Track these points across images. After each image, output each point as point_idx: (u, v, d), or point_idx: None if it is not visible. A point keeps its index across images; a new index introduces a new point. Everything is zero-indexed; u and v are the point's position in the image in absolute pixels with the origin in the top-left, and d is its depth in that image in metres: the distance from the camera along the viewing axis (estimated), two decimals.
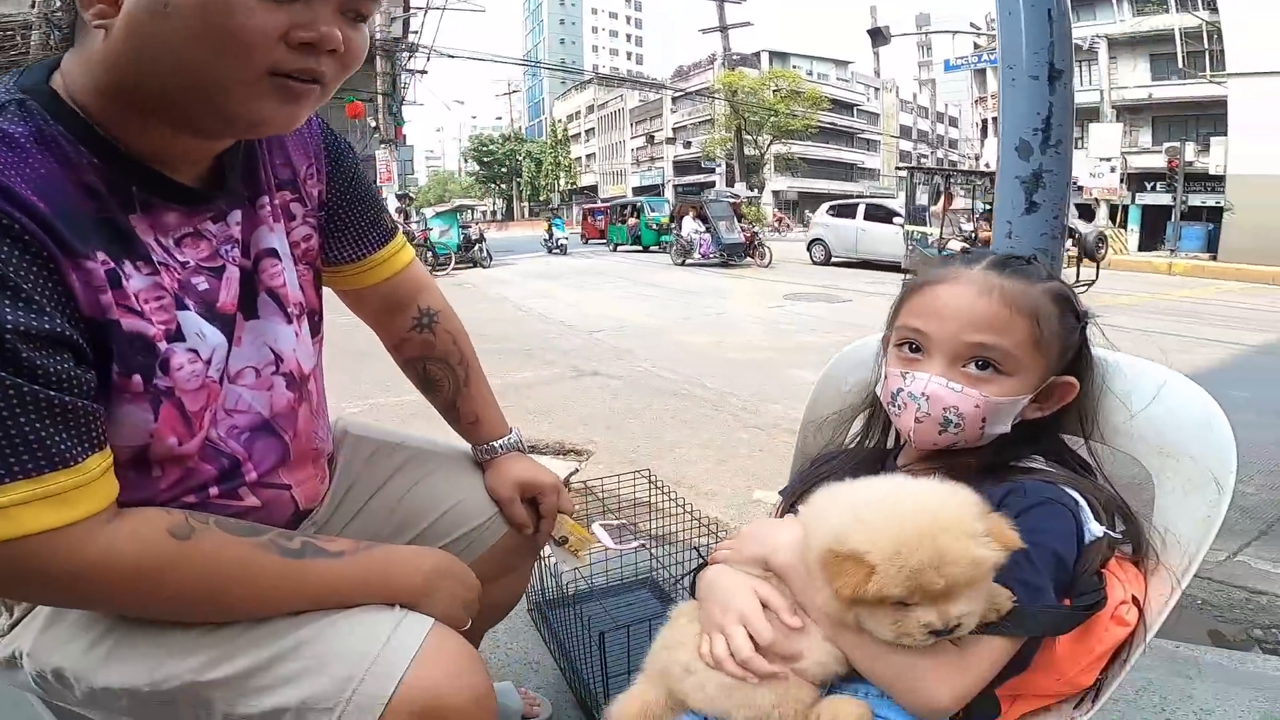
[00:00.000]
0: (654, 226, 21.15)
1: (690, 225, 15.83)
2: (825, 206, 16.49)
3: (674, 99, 54.63)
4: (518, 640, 1.88)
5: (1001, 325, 0.78)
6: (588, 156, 71.87)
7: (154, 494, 0.72)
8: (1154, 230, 21.49)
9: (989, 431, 0.81)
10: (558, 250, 20.72)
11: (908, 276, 0.91)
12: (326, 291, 1.00)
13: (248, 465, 0.80)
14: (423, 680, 0.70)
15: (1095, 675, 0.81)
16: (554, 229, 21.31)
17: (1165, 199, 20.63)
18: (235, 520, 0.74)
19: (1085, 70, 24.05)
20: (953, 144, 68.79)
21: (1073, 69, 1.62)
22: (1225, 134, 18.41)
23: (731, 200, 17.17)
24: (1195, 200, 19.81)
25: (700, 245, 15.46)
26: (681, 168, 55.92)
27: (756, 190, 34.16)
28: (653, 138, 59.24)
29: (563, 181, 66.88)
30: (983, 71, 30.70)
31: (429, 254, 13.32)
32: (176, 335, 0.70)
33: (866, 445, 1.02)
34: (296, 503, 0.87)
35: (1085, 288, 6.24)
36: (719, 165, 37.31)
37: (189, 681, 0.71)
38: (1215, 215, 18.41)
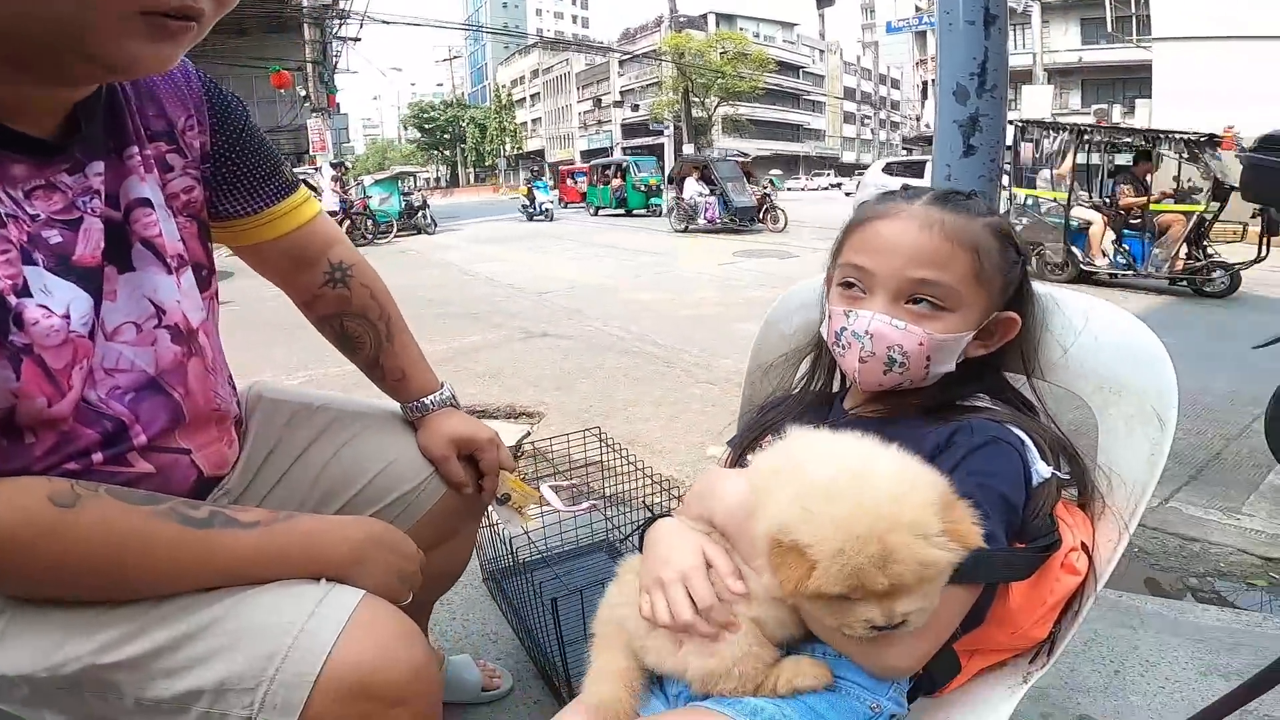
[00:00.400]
0: (641, 188, 19.76)
1: (694, 188, 14.24)
2: (880, 164, 14.97)
3: (621, 62, 53.82)
4: (474, 611, 1.81)
5: (943, 260, 0.77)
6: (533, 121, 70.62)
7: (29, 462, 0.66)
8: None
9: (934, 370, 0.80)
10: (541, 217, 18.21)
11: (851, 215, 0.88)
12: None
13: (135, 428, 0.74)
14: (353, 655, 0.66)
15: (1049, 627, 0.80)
16: (536, 191, 18.60)
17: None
18: (131, 489, 0.70)
19: (1019, 34, 24.51)
20: (895, 105, 69.68)
21: (1007, 18, 1.65)
22: (1150, 97, 19.11)
23: (739, 159, 15.64)
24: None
25: (705, 209, 13.91)
26: (630, 130, 55.35)
27: (704, 151, 34.04)
28: (600, 101, 58.31)
29: (508, 146, 65.63)
30: (923, 34, 31.05)
31: (369, 222, 13.10)
32: (24, 290, 0.64)
33: (812, 389, 1.00)
34: (199, 469, 0.82)
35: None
36: (667, 128, 36.87)
37: (91, 664, 0.66)
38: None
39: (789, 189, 38.03)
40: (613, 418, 3.38)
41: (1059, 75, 25.15)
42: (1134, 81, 22.02)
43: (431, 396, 1.06)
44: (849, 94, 65.05)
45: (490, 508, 1.16)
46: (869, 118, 69.18)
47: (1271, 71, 14.35)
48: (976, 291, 0.79)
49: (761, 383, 1.13)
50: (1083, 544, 0.79)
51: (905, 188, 0.86)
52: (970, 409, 0.82)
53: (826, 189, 40.56)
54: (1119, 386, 0.83)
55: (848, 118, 66.47)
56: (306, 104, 15.54)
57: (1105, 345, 0.85)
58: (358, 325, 1.04)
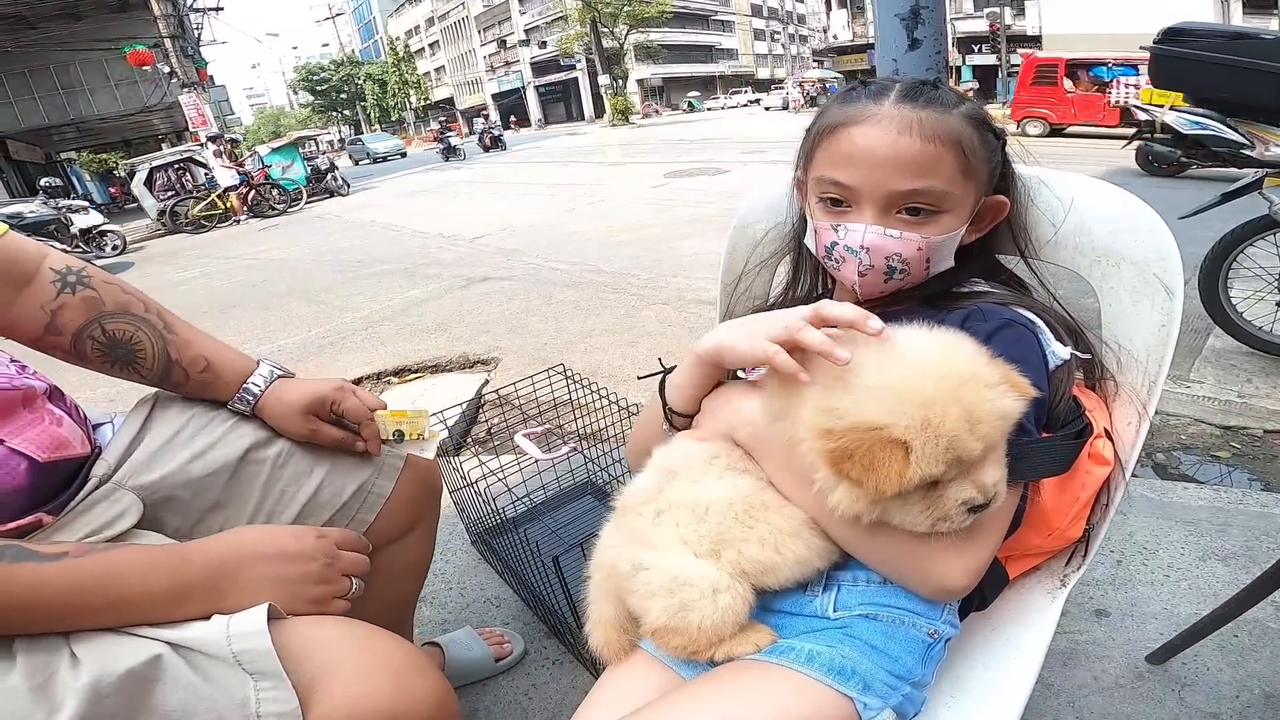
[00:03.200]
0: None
1: None
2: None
3: (521, 0, 50.93)
4: (470, 578, 1.72)
5: (930, 163, 0.71)
6: (436, 70, 67.47)
7: None
8: (986, 88, 23.02)
9: (934, 270, 0.77)
10: (456, 157, 21.61)
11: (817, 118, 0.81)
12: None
13: None
14: (370, 700, 0.63)
15: (1083, 524, 0.78)
16: (448, 136, 22.96)
17: (990, 59, 21.92)
18: None
19: None
20: (801, 19, 68.84)
21: None
22: None
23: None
24: (1016, 59, 21.14)
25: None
26: (540, 68, 53.27)
27: (620, 81, 32.96)
28: (504, 42, 55.80)
29: (414, 98, 62.33)
30: None
31: (274, 192, 12.43)
32: None
33: (797, 294, 0.94)
34: (28, 456, 0.73)
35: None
36: (579, 61, 35.46)
37: None
38: None
39: (709, 108, 37.44)
40: (571, 352, 3.23)
41: None
42: None
43: (255, 377, 0.92)
44: (756, 11, 63.74)
45: (404, 451, 1.04)
46: (778, 33, 68.08)
47: None
48: (965, 186, 0.74)
49: (741, 292, 1.07)
50: (1105, 430, 0.76)
51: (864, 82, 0.79)
52: (971, 294, 0.78)
53: (746, 105, 40.38)
54: (1117, 257, 0.80)
55: (758, 35, 65.25)
56: (174, 80, 14.63)
57: (1098, 217, 0.82)
58: (125, 325, 0.85)
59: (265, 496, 0.89)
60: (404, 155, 31.44)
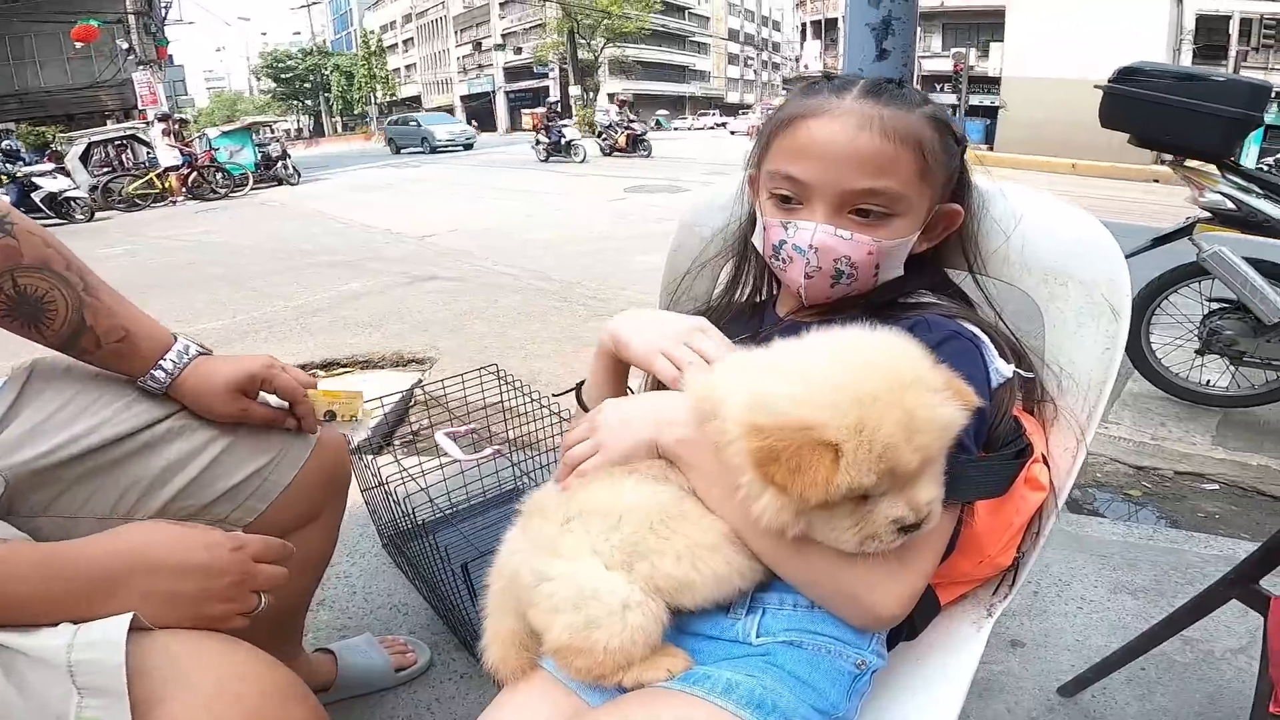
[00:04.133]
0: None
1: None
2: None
3: (502, 4, 51.33)
4: (377, 582, 1.63)
5: (887, 163, 0.69)
6: (407, 67, 66.63)
7: None
8: None
9: (882, 277, 0.74)
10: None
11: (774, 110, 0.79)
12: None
13: None
14: None
15: (1014, 552, 0.76)
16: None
17: (951, 99, 23.14)
18: None
19: None
20: (775, 47, 70.58)
21: None
22: (1003, 40, 20.37)
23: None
24: (975, 100, 22.63)
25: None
26: (513, 74, 53.08)
27: (591, 93, 33.11)
28: (480, 45, 55.47)
29: (380, 94, 61.48)
30: None
31: (218, 175, 12.16)
32: None
33: (738, 298, 0.91)
34: None
35: None
36: (552, 70, 35.52)
37: None
38: (992, 113, 20.90)
39: (675, 128, 37.97)
40: (510, 357, 3.14)
41: (923, 19, 26.33)
42: (988, 26, 23.41)
43: (173, 352, 0.86)
44: (733, 35, 65.26)
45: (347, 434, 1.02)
46: (751, 59, 69.71)
47: (1118, 16, 15.49)
48: (921, 190, 0.71)
49: (679, 292, 1.04)
50: (1043, 455, 0.74)
51: (827, 76, 0.76)
52: (918, 305, 0.76)
53: (712, 128, 40.98)
54: (1065, 277, 0.78)
55: (732, 59, 66.71)
56: (131, 57, 14.26)
57: (1049, 235, 0.80)
58: (39, 281, 0.79)
59: (140, 476, 0.82)
60: (470, 146, 23.25)
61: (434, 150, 22.15)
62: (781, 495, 0.51)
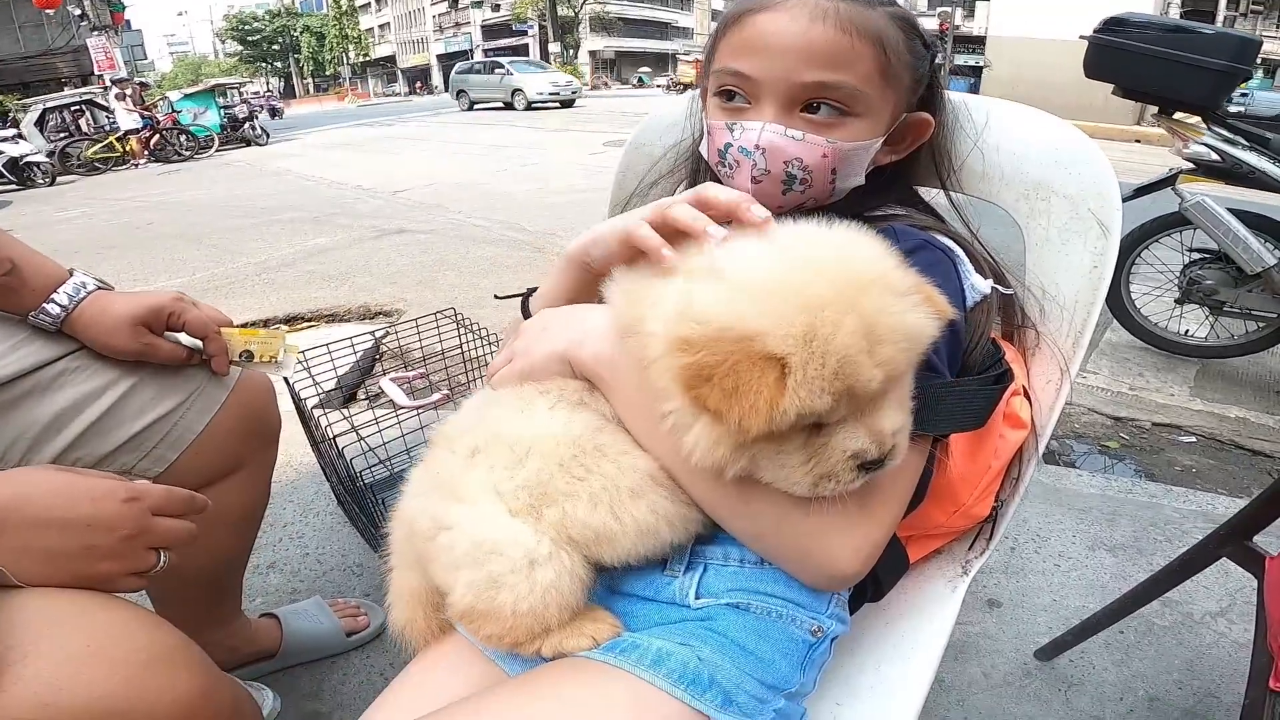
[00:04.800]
0: None
1: None
2: None
3: None
4: (331, 543, 1.55)
5: (843, 56, 0.61)
6: (381, 27, 64.56)
7: None
8: None
9: (840, 185, 0.67)
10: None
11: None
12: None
13: None
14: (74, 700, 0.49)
15: (991, 502, 0.69)
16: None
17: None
18: None
19: None
20: None
21: None
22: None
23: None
24: (960, 59, 22.58)
25: None
26: (490, 32, 51.63)
27: (572, 51, 32.29)
28: (456, 2, 53.70)
29: (353, 54, 59.62)
30: None
31: (182, 137, 11.83)
32: None
33: None
34: None
35: None
36: (531, 27, 34.46)
37: None
38: (977, 72, 20.86)
39: (659, 85, 37.27)
40: (481, 308, 3.02)
41: None
42: None
43: (69, 285, 0.80)
44: None
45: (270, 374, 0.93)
46: None
47: None
48: (884, 91, 0.64)
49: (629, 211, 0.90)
50: (1023, 388, 0.67)
51: None
52: (885, 217, 0.69)
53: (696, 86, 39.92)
54: (1048, 191, 0.71)
55: (715, 16, 65.19)
56: (85, 23, 13.88)
57: (1030, 145, 0.73)
58: None
59: (30, 423, 0.74)
60: (570, 103, 17.52)
61: (529, 107, 17.02)
62: (717, 424, 0.42)
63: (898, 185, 0.74)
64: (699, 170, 0.80)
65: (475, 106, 18.32)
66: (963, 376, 0.58)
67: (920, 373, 0.50)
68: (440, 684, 0.57)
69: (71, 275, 0.81)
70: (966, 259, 0.64)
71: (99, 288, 0.82)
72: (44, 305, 0.78)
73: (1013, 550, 1.48)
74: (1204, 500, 1.67)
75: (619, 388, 0.53)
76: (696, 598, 0.56)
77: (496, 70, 18.57)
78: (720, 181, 0.70)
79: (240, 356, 0.89)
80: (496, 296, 0.89)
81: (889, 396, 0.45)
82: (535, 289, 0.70)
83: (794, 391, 0.40)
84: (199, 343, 0.86)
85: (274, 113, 13.75)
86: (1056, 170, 0.71)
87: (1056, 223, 0.70)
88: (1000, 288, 0.65)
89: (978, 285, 0.63)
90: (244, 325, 1.08)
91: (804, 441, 0.44)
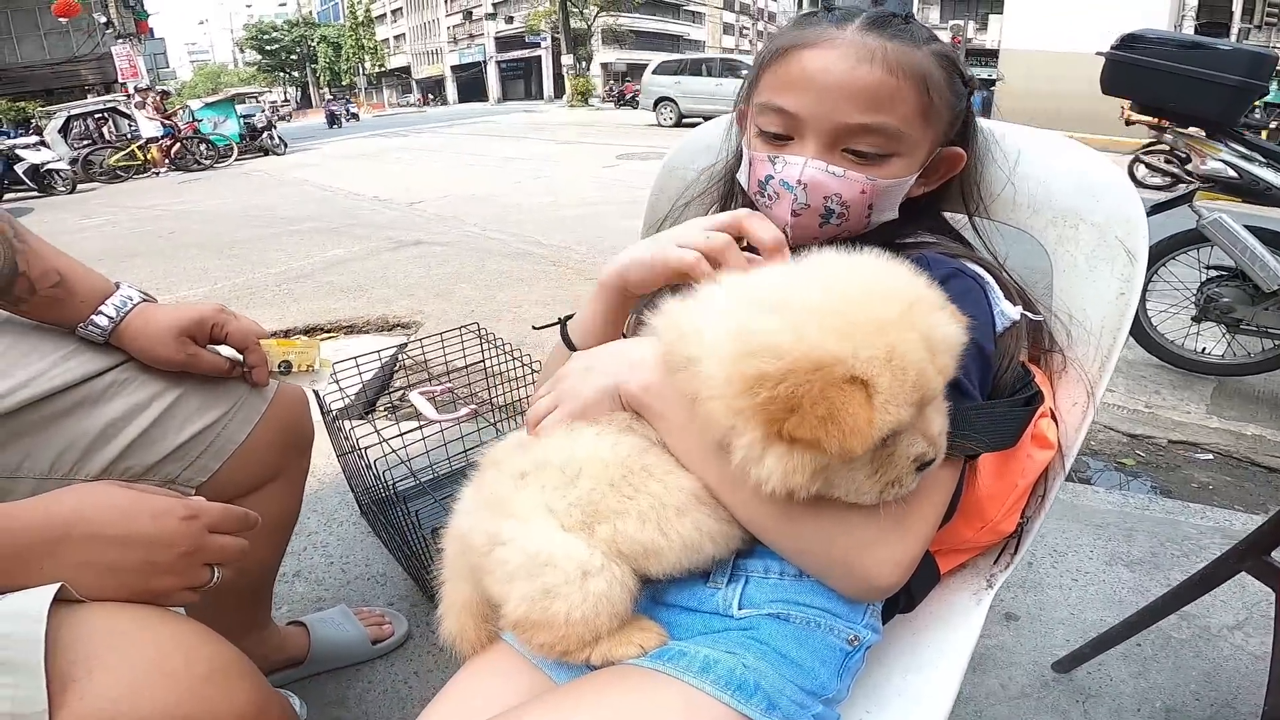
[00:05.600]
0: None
1: None
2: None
3: None
4: (355, 552, 1.57)
5: (888, 98, 0.63)
6: (396, 38, 65.34)
7: None
8: None
9: (875, 219, 0.69)
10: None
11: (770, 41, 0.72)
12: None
13: None
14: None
15: (1017, 518, 0.70)
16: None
17: None
18: None
19: None
20: (771, 17, 69.47)
21: None
22: (1002, 12, 20.14)
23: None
24: (973, 72, 22.00)
25: None
26: (504, 44, 52.12)
27: (584, 63, 32.54)
28: (471, 14, 54.47)
29: (369, 64, 60.42)
30: None
31: (202, 146, 12.05)
32: None
33: None
34: None
35: None
36: (544, 39, 34.81)
37: None
38: (989, 85, 20.79)
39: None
40: (498, 320, 3.08)
41: None
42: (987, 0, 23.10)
43: (116, 298, 0.81)
44: (728, 3, 63.95)
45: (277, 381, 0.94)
46: (747, 29, 68.56)
47: None
48: (924, 130, 0.66)
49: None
50: (1050, 410, 0.69)
51: (827, 6, 0.70)
52: (916, 244, 0.71)
53: None
54: (1076, 219, 0.73)
55: (727, 29, 65.56)
56: (110, 30, 14.10)
57: (1058, 175, 0.75)
58: None
59: (80, 434, 0.76)
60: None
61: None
62: (807, 451, 0.44)
63: (927, 213, 0.75)
64: (731, 194, 0.82)
65: (684, 120, 13.75)
66: (993, 397, 0.60)
67: (953, 396, 0.52)
68: (490, 691, 0.59)
69: (118, 288, 0.83)
70: (996, 286, 0.66)
71: (144, 299, 0.84)
72: (92, 318, 0.80)
73: (1030, 565, 1.49)
74: (1221, 516, 1.67)
75: (668, 416, 0.55)
76: (739, 608, 0.59)
77: (726, 71, 13.99)
78: (755, 208, 0.73)
79: (279, 367, 0.91)
80: (535, 328, 0.91)
81: (936, 399, 0.48)
82: (572, 315, 0.72)
83: (884, 408, 0.43)
84: (239, 354, 0.89)
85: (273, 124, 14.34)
86: (1084, 198, 0.73)
87: (1084, 250, 0.72)
88: (1029, 314, 0.67)
89: (1007, 312, 0.64)
90: (277, 334, 1.12)
91: (872, 456, 0.47)
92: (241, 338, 0.86)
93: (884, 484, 0.48)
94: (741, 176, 0.74)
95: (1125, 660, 1.24)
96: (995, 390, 0.61)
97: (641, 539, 0.52)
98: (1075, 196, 0.73)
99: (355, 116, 26.92)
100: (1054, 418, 0.70)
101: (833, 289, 0.46)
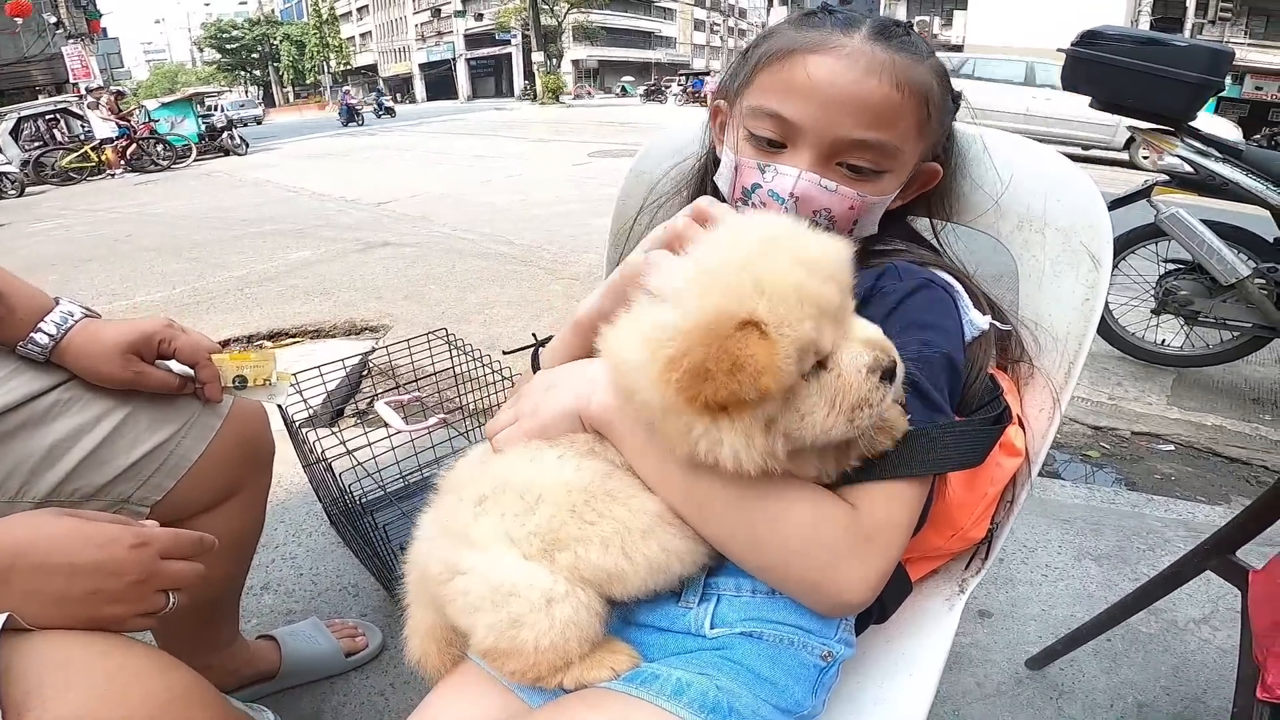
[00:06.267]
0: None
1: None
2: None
3: None
4: (324, 562, 1.54)
5: (892, 114, 0.62)
6: (362, 35, 64.28)
7: None
8: None
9: (857, 234, 0.68)
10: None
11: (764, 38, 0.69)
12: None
13: None
14: None
15: (988, 525, 0.70)
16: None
17: None
18: None
19: None
20: (742, 13, 69.81)
21: None
22: (965, 8, 20.47)
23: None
24: None
25: None
26: (474, 41, 51.58)
27: (555, 60, 32.39)
28: (439, 11, 53.85)
29: (334, 62, 59.34)
30: None
31: (158, 147, 11.69)
32: None
33: None
34: None
35: None
36: (514, 36, 34.53)
37: None
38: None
39: (640, 94, 37.58)
40: (469, 323, 3.04)
41: None
42: None
43: (56, 313, 0.78)
44: (699, 0, 64.06)
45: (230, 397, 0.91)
46: (718, 25, 68.81)
47: None
48: (916, 146, 0.66)
49: (630, 240, 0.96)
50: (1018, 418, 0.68)
51: (829, 9, 0.67)
52: (887, 251, 0.70)
53: (676, 94, 40.26)
54: (1041, 223, 0.72)
55: (698, 25, 65.75)
56: (60, 31, 13.76)
57: (1023, 178, 0.74)
58: None
59: (24, 456, 0.73)
60: None
61: None
62: (739, 413, 0.43)
63: (895, 220, 0.74)
64: (703, 192, 0.80)
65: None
66: (961, 408, 0.60)
67: (923, 407, 0.52)
68: (462, 715, 0.57)
69: (58, 304, 0.80)
70: (966, 294, 0.66)
71: (85, 315, 0.80)
72: (31, 335, 0.76)
73: (1001, 562, 1.51)
74: (1184, 509, 1.71)
75: (628, 438, 0.54)
76: (712, 627, 0.57)
77: None
78: None
79: (233, 383, 0.87)
80: (504, 352, 0.89)
81: (854, 316, 0.48)
82: (548, 339, 0.70)
83: (778, 333, 0.42)
84: (190, 370, 0.85)
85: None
86: (1049, 201, 0.72)
87: (1049, 254, 0.72)
88: (998, 324, 0.66)
89: (976, 321, 0.64)
90: (231, 342, 1.07)
91: (819, 387, 0.45)
92: (191, 353, 0.83)
93: (849, 410, 0.46)
94: (721, 180, 0.72)
95: (1096, 656, 1.25)
96: (964, 400, 0.61)
97: (604, 564, 0.51)
98: (1039, 199, 0.73)
99: (390, 111, 24.29)
100: (1021, 424, 0.69)
101: (704, 256, 0.47)
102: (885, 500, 0.52)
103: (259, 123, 25.84)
